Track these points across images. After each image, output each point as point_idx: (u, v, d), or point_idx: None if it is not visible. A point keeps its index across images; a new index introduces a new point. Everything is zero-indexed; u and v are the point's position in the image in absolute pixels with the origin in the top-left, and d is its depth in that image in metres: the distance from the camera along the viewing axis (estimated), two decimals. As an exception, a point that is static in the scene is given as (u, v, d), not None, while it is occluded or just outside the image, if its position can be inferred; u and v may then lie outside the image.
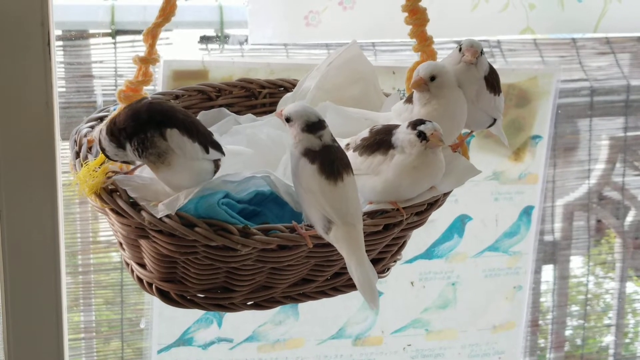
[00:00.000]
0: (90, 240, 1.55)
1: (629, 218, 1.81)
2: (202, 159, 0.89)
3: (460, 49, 1.00)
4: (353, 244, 0.86)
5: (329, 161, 0.88)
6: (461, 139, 1.04)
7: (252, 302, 0.96)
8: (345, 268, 0.88)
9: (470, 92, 1.01)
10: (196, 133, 0.89)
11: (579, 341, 1.84)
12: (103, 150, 0.90)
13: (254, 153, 1.04)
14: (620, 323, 1.85)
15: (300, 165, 0.88)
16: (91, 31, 1.49)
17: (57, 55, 1.45)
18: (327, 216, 0.87)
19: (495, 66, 1.04)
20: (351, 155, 0.94)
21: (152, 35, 0.96)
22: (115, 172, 0.92)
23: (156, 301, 1.46)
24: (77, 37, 1.48)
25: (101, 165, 0.91)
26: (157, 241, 0.88)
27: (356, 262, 0.86)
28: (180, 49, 1.48)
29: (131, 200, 0.89)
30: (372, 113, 1.07)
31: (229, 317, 1.50)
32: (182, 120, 0.88)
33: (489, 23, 1.45)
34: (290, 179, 0.93)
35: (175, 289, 0.94)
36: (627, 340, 1.89)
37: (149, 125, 0.87)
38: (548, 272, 1.77)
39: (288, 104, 1.10)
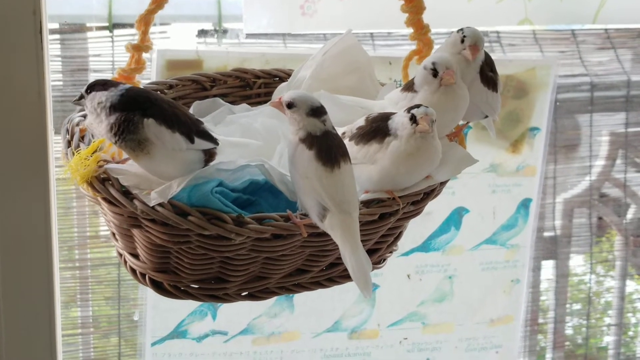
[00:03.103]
0: (87, 235, 1.55)
1: (630, 215, 1.80)
2: (187, 150, 0.89)
3: (462, 40, 1.00)
4: (347, 232, 0.86)
5: (327, 148, 0.87)
6: (458, 128, 1.03)
7: (247, 293, 0.96)
8: (341, 258, 0.88)
9: (465, 82, 1.00)
10: (177, 123, 0.88)
11: (579, 340, 1.84)
12: (92, 88, 0.89)
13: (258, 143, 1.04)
14: (621, 322, 1.84)
15: (297, 151, 0.88)
16: (88, 24, 1.48)
17: (54, 49, 1.44)
18: (322, 203, 0.86)
19: (492, 57, 1.04)
20: (347, 144, 0.94)
21: (144, 22, 0.95)
22: (107, 161, 0.91)
23: (150, 293, 1.46)
24: (74, 30, 1.47)
25: (93, 154, 0.90)
26: (150, 230, 0.88)
27: (350, 249, 0.86)
28: (177, 42, 1.47)
29: (123, 189, 0.88)
30: (367, 101, 1.07)
31: (224, 309, 1.49)
32: (161, 111, 0.88)
33: (487, 14, 1.44)
34: (286, 168, 0.92)
35: (168, 279, 0.94)
36: (628, 339, 1.88)
37: (139, 110, 0.87)
38: (548, 269, 1.77)
39: (283, 94, 1.09)
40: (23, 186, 1.04)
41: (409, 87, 1.00)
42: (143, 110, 0.87)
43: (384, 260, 1.04)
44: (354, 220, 0.87)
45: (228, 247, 0.87)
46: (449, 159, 0.97)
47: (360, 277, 0.85)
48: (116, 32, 1.46)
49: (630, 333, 1.88)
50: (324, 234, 0.88)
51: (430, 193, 0.97)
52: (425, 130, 0.90)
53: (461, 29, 1.01)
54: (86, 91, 0.90)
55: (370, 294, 0.85)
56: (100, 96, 0.88)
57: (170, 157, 0.88)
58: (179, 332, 1.50)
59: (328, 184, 0.86)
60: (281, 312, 1.52)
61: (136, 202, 0.86)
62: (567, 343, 1.82)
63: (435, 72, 0.97)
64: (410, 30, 1.06)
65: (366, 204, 0.92)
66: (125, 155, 0.92)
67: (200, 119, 1.00)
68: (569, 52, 1.66)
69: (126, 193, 0.87)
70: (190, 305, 1.47)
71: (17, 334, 1.08)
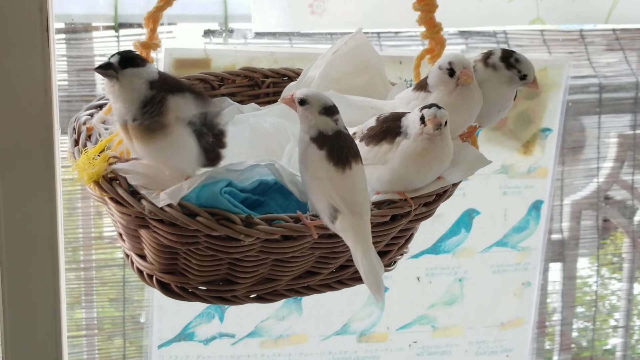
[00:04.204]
0: (92, 236, 1.54)
1: (638, 217, 1.79)
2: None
3: (521, 76, 0.98)
4: (359, 234, 0.84)
5: (338, 148, 0.86)
6: (471, 129, 1.02)
7: (255, 295, 0.94)
8: (351, 261, 0.86)
9: (502, 98, 1.00)
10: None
11: (586, 343, 1.82)
12: (128, 62, 0.86)
13: (257, 143, 1.03)
14: (628, 324, 1.83)
15: (308, 151, 0.86)
16: (94, 24, 1.47)
17: (60, 48, 1.44)
18: (333, 205, 0.85)
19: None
20: (358, 145, 0.92)
21: (153, 19, 0.94)
22: (116, 159, 0.89)
23: (157, 295, 1.45)
24: (79, 30, 1.46)
25: (101, 153, 0.89)
26: (158, 231, 0.86)
27: (362, 252, 0.84)
28: (183, 42, 1.46)
29: (131, 188, 0.86)
30: (377, 101, 1.06)
31: (231, 311, 1.48)
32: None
33: (498, 13, 1.43)
34: (295, 168, 0.91)
35: (176, 280, 0.92)
36: (634, 341, 1.86)
37: (170, 93, 0.86)
38: (555, 272, 1.76)
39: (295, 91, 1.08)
40: (29, 186, 1.03)
41: (422, 86, 0.99)
42: (172, 94, 0.86)
43: (395, 262, 1.02)
44: (365, 222, 0.85)
45: (237, 248, 0.86)
46: (461, 160, 0.96)
47: (373, 280, 0.84)
48: (122, 31, 1.46)
49: (636, 336, 1.87)
50: (335, 236, 0.87)
51: (442, 194, 0.95)
52: (429, 132, 0.89)
53: (511, 57, 0.99)
54: (120, 64, 0.86)
55: (383, 297, 0.84)
56: (143, 71, 0.86)
57: (184, 146, 0.86)
58: (186, 335, 1.49)
59: (339, 185, 0.85)
60: (289, 314, 1.51)
61: (144, 202, 0.85)
62: (573, 345, 1.81)
63: (452, 72, 0.95)
64: (421, 29, 1.04)
65: (377, 205, 0.90)
66: (132, 155, 0.91)
67: None
68: (577, 53, 1.65)
69: (134, 193, 0.86)
70: (197, 307, 1.46)
71: (22, 336, 1.08)
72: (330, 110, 0.87)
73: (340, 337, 1.55)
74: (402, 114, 0.94)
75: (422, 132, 0.89)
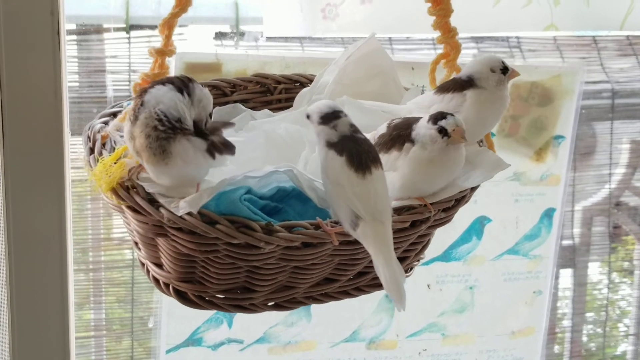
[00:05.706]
0: (101, 237, 1.53)
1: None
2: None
3: None
4: (381, 242, 0.84)
5: (357, 153, 0.86)
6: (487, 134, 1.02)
7: (273, 303, 0.94)
8: (370, 267, 0.86)
9: None
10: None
11: (597, 350, 1.82)
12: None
13: (272, 149, 1.02)
14: (639, 331, 1.82)
15: (328, 158, 0.86)
16: (105, 26, 1.47)
17: (71, 50, 1.44)
18: (355, 211, 0.84)
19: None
20: None
21: (168, 25, 0.93)
22: (132, 168, 0.88)
23: (166, 300, 1.44)
24: (91, 31, 1.46)
25: (117, 160, 0.88)
26: (176, 239, 0.85)
27: (384, 260, 0.83)
28: (194, 45, 1.46)
29: (149, 196, 0.85)
30: (391, 106, 1.06)
31: (240, 317, 1.47)
32: None
33: (512, 19, 1.42)
34: (312, 174, 0.91)
35: (193, 289, 0.91)
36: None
37: None
38: (566, 278, 1.75)
39: (305, 99, 1.08)
40: (39, 187, 1.03)
41: (445, 89, 0.98)
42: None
43: (412, 268, 1.02)
44: (387, 228, 0.85)
45: (257, 256, 0.85)
46: (480, 164, 0.96)
47: (395, 288, 0.83)
48: (133, 33, 1.45)
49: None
50: (355, 242, 0.86)
51: (461, 199, 0.95)
52: (458, 143, 0.89)
53: None
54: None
55: (405, 306, 0.83)
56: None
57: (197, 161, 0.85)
58: (194, 340, 1.48)
59: (360, 191, 0.84)
60: (298, 321, 1.50)
61: (162, 210, 0.84)
62: (584, 352, 1.80)
63: (505, 70, 0.96)
64: (434, 34, 1.04)
65: (397, 211, 0.90)
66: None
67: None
68: (590, 59, 1.64)
69: (152, 201, 0.85)
70: (206, 312, 1.45)
71: (30, 336, 1.08)
72: (326, 118, 0.87)
73: (350, 344, 1.54)
74: (414, 121, 0.93)
75: (448, 144, 0.89)
